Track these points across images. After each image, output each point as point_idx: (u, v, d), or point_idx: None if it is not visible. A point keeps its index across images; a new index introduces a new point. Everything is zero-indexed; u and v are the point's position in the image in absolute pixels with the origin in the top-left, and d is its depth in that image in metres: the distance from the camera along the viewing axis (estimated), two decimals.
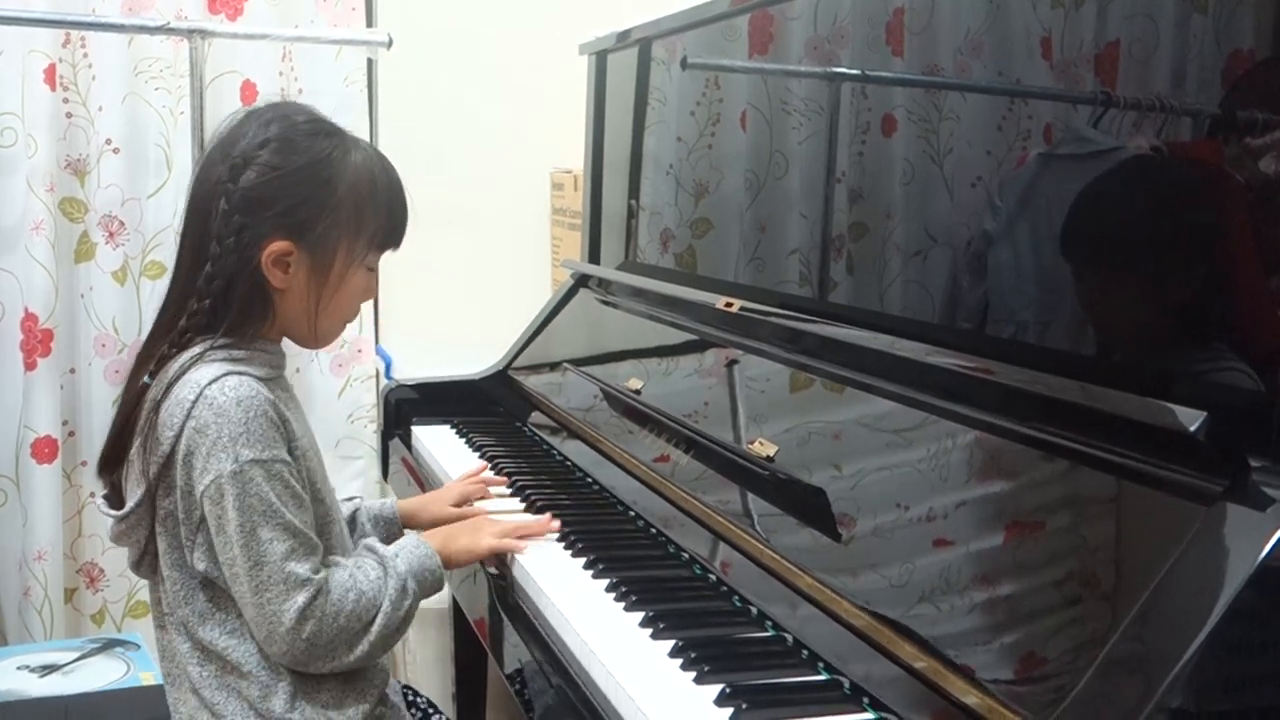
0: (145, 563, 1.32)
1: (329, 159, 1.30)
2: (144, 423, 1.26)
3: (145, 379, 1.29)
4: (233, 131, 1.30)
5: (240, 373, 1.25)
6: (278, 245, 1.27)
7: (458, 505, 1.63)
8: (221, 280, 1.27)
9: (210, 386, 1.23)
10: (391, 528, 1.58)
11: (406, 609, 1.30)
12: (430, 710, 1.55)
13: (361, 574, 1.28)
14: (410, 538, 1.39)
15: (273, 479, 1.23)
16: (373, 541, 1.37)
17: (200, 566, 1.26)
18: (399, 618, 1.29)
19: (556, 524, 1.50)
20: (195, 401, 1.22)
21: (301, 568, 1.23)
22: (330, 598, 1.24)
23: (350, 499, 1.58)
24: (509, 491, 1.71)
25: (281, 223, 1.27)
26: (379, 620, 1.27)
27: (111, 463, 1.32)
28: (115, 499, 1.32)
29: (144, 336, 2.52)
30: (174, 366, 1.26)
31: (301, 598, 1.22)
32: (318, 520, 1.30)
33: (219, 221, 1.27)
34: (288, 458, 1.25)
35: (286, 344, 1.37)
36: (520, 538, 1.46)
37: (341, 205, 1.30)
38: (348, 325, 1.41)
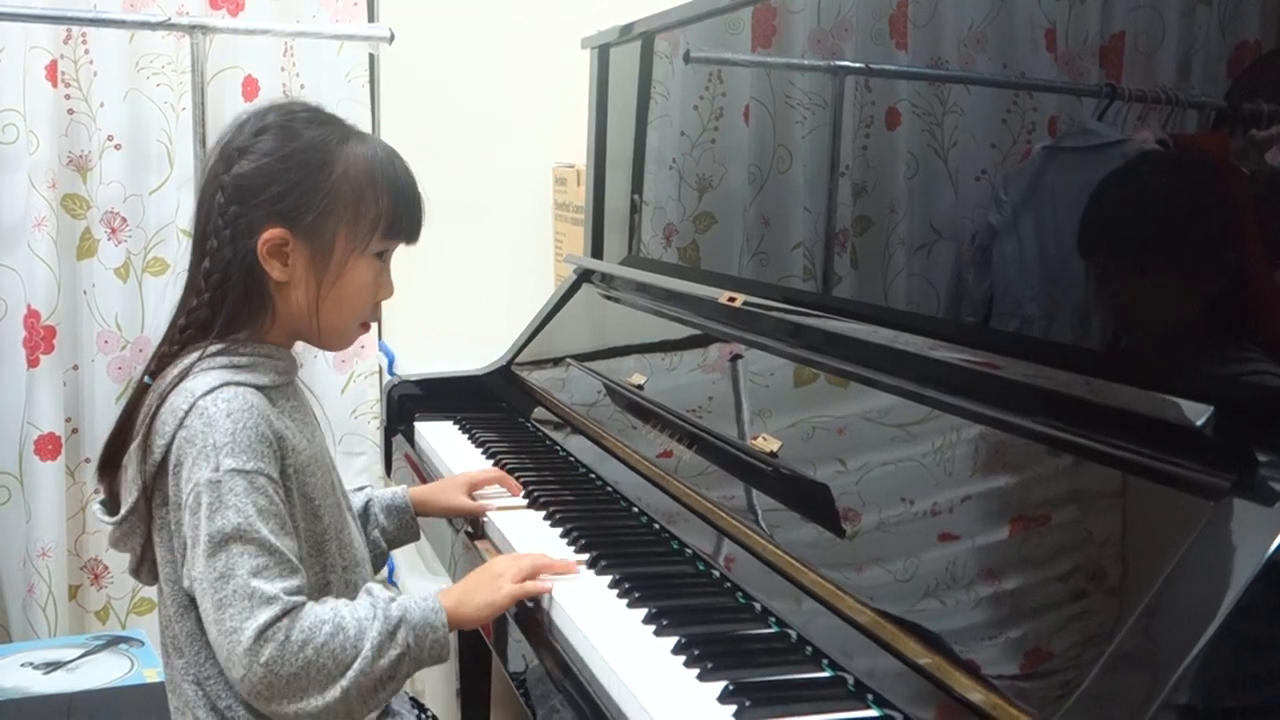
0: (145, 569, 1.29)
1: (322, 144, 1.27)
2: (139, 430, 1.23)
3: (146, 379, 1.27)
4: (234, 128, 1.29)
5: (239, 383, 1.21)
6: (272, 233, 1.23)
7: (469, 494, 1.61)
8: (219, 274, 1.24)
9: (204, 397, 1.19)
10: (404, 515, 1.55)
11: (392, 660, 1.18)
12: None
13: (348, 610, 1.18)
14: (422, 593, 1.27)
15: (255, 491, 1.17)
16: (372, 586, 1.27)
17: (186, 584, 1.21)
18: (381, 668, 1.17)
19: (582, 563, 1.38)
20: (188, 411, 1.19)
21: (270, 586, 1.14)
22: (300, 623, 1.14)
23: (360, 489, 1.56)
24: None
25: (274, 209, 1.24)
26: (357, 664, 1.15)
27: (109, 465, 1.29)
28: (111, 504, 1.29)
29: (146, 333, 2.57)
30: (172, 373, 1.23)
31: (264, 615, 1.13)
32: (314, 539, 1.25)
33: (215, 213, 1.24)
34: (275, 475, 1.20)
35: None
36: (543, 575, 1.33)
37: (337, 191, 1.26)
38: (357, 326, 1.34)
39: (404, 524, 1.55)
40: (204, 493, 1.16)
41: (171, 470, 1.21)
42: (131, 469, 1.24)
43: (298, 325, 1.30)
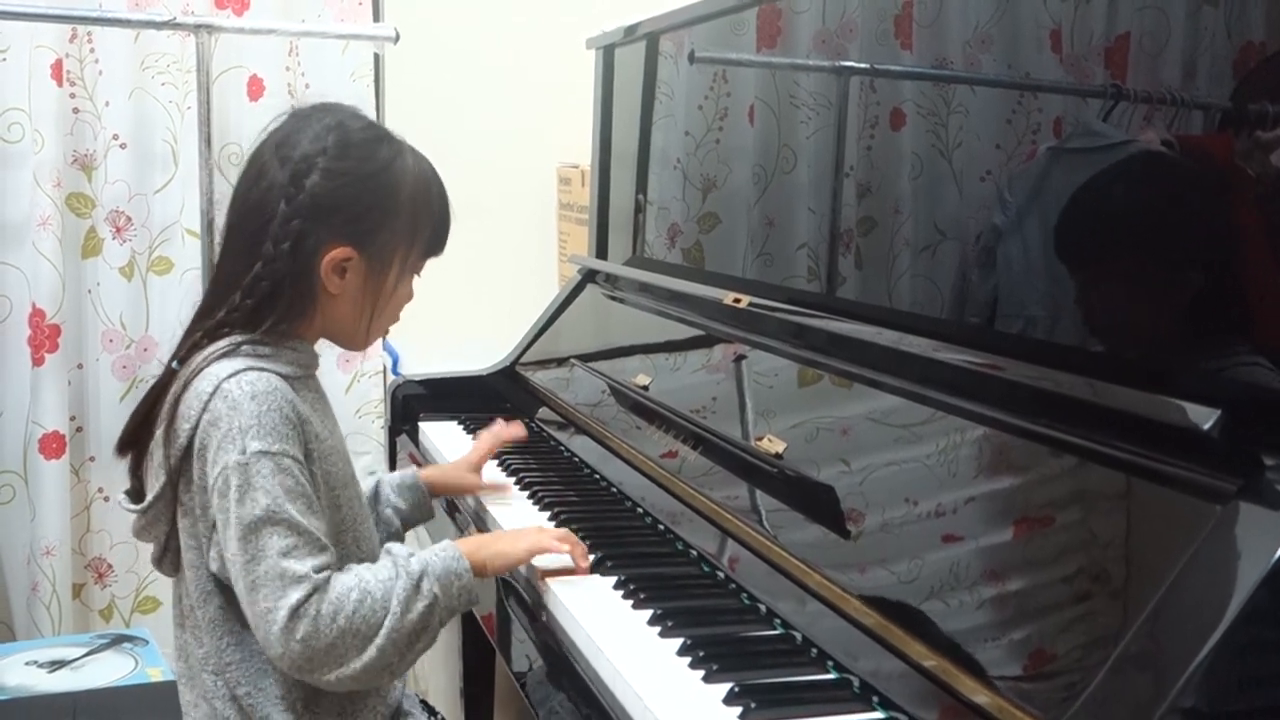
0: (167, 560, 1.30)
1: (391, 166, 1.29)
2: (164, 415, 1.25)
3: (174, 365, 1.28)
4: (287, 132, 1.28)
5: (261, 368, 1.23)
6: (339, 251, 1.26)
7: (477, 470, 1.66)
8: (269, 282, 1.25)
9: (228, 380, 1.21)
10: (416, 493, 1.57)
11: (421, 612, 1.21)
12: None
13: (370, 574, 1.22)
14: (441, 543, 1.31)
15: (281, 473, 1.19)
16: (392, 545, 1.29)
17: (214, 567, 1.23)
18: (411, 621, 1.21)
19: (588, 564, 1.37)
20: (212, 395, 1.21)
21: (300, 565, 1.17)
22: (328, 596, 1.18)
23: (369, 474, 1.58)
24: (522, 492, 1.70)
25: (345, 230, 1.26)
26: (387, 623, 1.19)
27: (129, 444, 1.31)
28: (136, 493, 1.31)
29: (151, 332, 2.57)
30: (198, 358, 1.25)
31: (295, 595, 1.16)
32: (333, 529, 1.26)
33: (278, 224, 1.24)
34: (300, 456, 1.22)
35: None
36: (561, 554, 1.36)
37: (401, 213, 1.30)
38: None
39: (417, 503, 1.58)
40: (232, 476, 1.18)
41: (196, 454, 1.22)
42: (158, 455, 1.26)
43: (336, 331, 1.34)
